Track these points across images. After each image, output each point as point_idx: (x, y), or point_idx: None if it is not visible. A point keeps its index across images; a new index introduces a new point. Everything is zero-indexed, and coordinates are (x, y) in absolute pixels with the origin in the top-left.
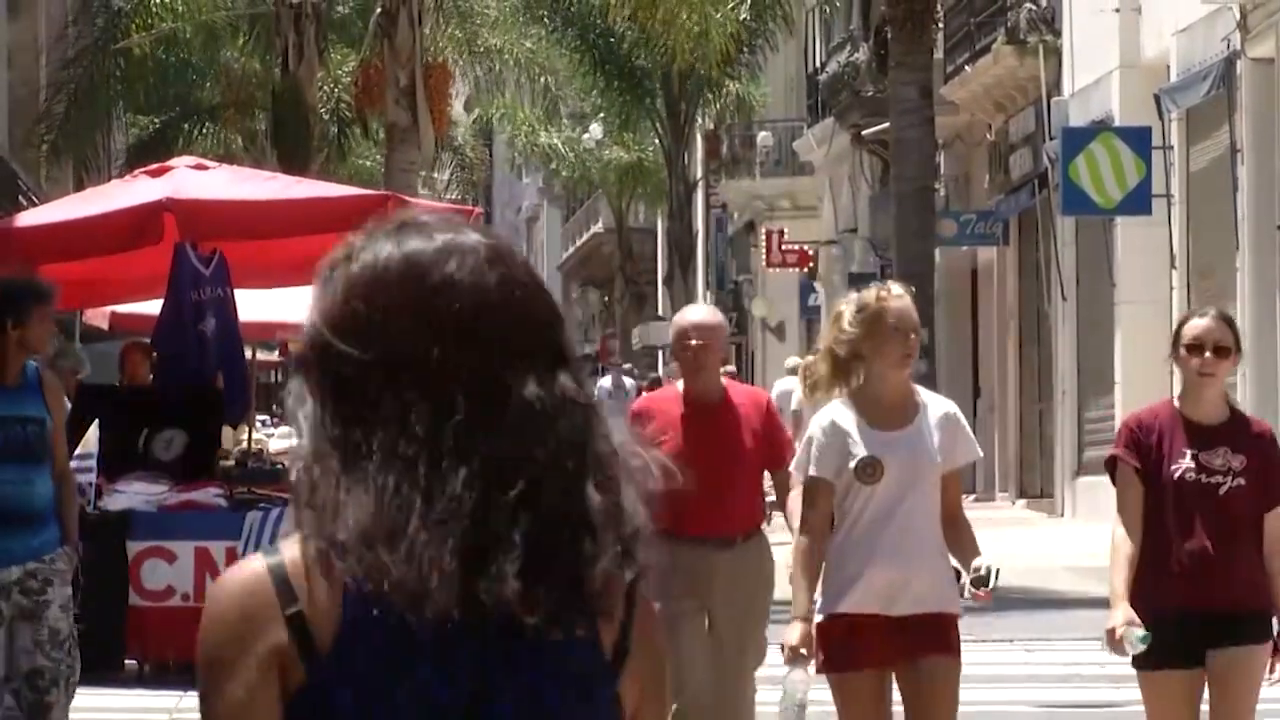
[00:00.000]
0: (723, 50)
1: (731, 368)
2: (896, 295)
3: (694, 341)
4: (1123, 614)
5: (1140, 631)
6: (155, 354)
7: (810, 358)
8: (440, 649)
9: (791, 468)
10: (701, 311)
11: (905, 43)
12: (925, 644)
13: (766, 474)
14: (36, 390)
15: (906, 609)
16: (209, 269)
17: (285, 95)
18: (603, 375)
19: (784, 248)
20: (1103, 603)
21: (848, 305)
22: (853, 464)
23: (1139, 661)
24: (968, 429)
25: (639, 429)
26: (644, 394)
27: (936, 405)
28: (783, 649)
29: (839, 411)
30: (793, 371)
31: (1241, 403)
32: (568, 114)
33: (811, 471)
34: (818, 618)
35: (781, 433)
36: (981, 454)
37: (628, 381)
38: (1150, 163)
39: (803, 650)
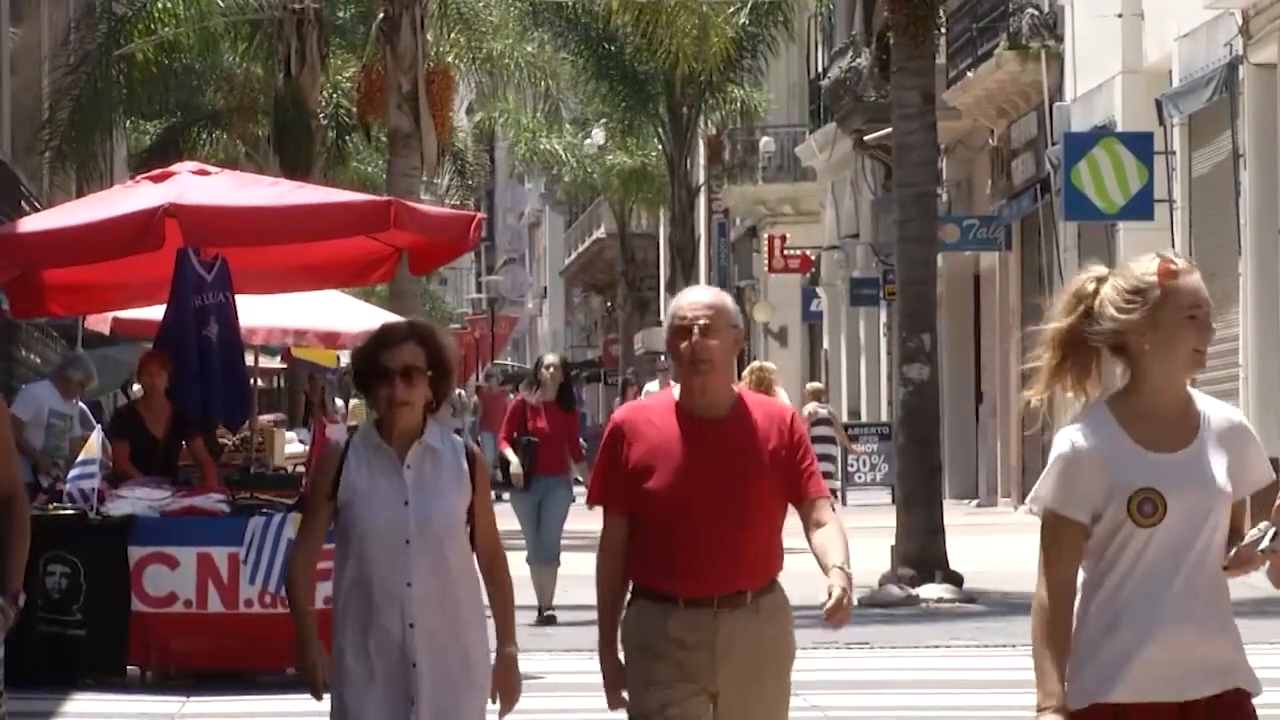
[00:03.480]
0: (722, 53)
1: (769, 369)
2: (1187, 270)
3: (695, 325)
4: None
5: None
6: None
7: (757, 362)
8: None
9: (1028, 500)
10: (704, 290)
11: (907, 48)
12: None
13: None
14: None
15: (1199, 690)
16: (211, 274)
17: (287, 101)
18: (650, 380)
19: (786, 253)
20: None
21: (1118, 278)
22: (1125, 499)
23: None
24: (1259, 443)
25: (616, 451)
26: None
27: (1219, 415)
28: None
29: (1096, 425)
30: (818, 396)
31: (1243, 406)
32: (570, 119)
33: (1055, 508)
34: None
35: (809, 459)
36: (1274, 475)
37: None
38: (1152, 168)
39: None
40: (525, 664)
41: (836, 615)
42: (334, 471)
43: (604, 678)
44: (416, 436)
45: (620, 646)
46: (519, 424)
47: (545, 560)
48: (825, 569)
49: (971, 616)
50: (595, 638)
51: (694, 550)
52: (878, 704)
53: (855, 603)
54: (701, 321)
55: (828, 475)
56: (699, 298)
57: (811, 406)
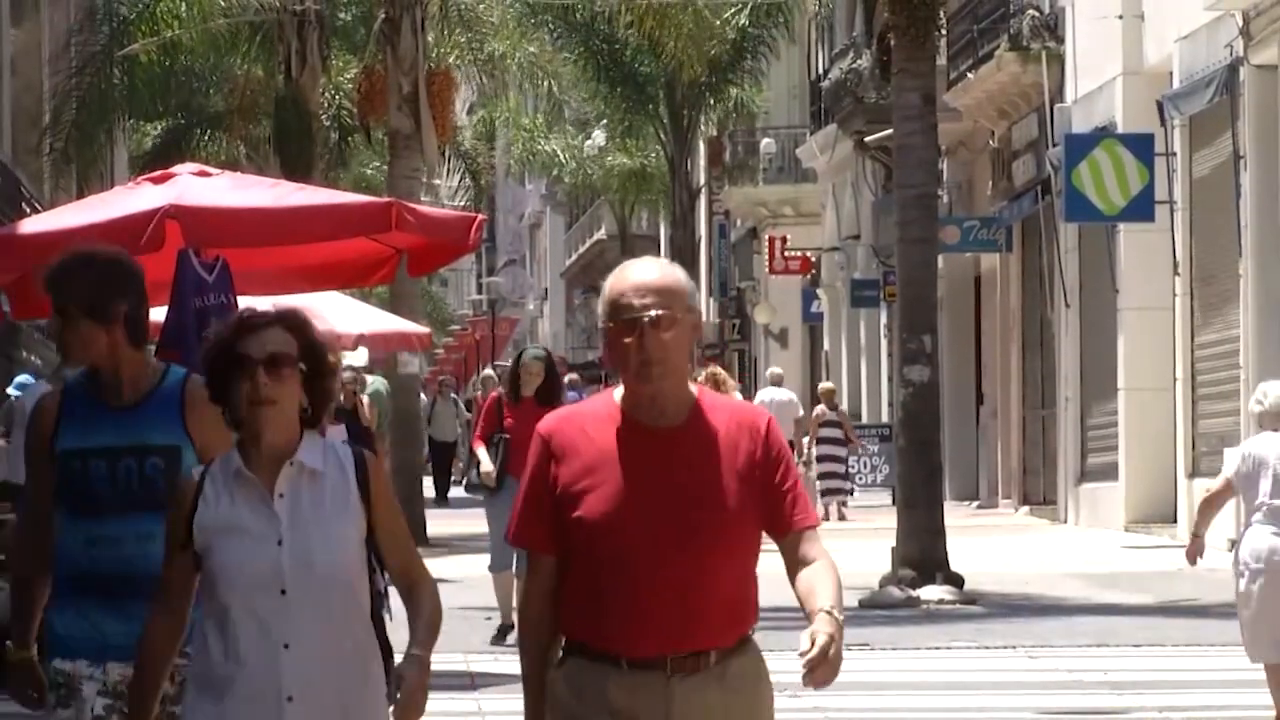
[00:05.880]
0: (722, 55)
1: (723, 374)
2: None
3: (643, 317)
4: None
5: None
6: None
7: (711, 368)
8: None
9: None
10: (651, 266)
11: (908, 49)
12: None
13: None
14: (172, 408)
15: None
16: (212, 276)
17: (288, 102)
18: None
19: (787, 254)
20: (1104, 609)
21: None
22: None
23: None
24: None
25: (542, 473)
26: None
27: None
28: None
29: None
30: (829, 397)
31: (1243, 406)
32: (571, 120)
33: None
34: None
35: (792, 478)
36: None
37: (780, 395)
38: (1153, 169)
39: None
40: (471, 702)
41: (820, 672)
42: (188, 510)
43: None
44: (289, 455)
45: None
46: (495, 422)
47: (507, 567)
48: (810, 614)
49: (972, 618)
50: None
51: (640, 596)
52: (878, 705)
53: (844, 654)
54: (651, 311)
55: (839, 478)
56: (645, 277)
57: (821, 408)
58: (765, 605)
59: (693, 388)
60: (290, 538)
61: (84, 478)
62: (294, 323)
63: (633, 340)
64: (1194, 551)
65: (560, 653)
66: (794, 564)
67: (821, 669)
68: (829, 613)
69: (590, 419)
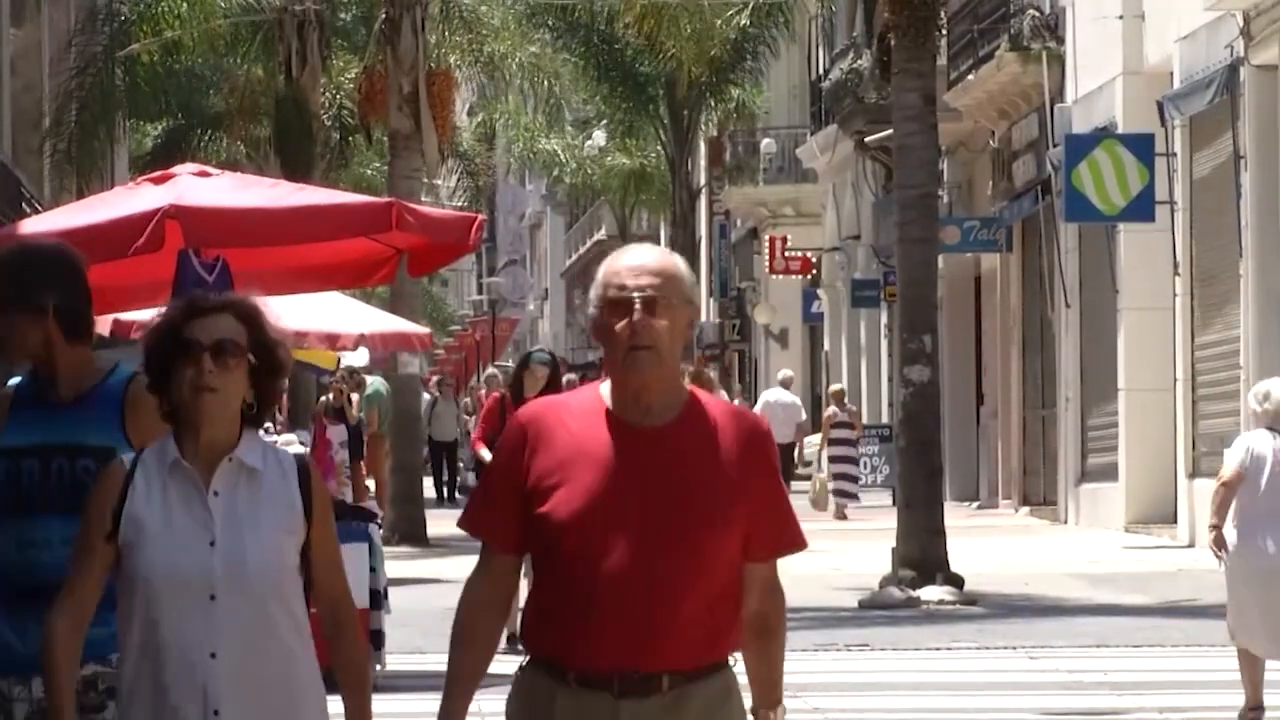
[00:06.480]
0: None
1: (708, 374)
2: None
3: (636, 298)
4: None
5: None
6: None
7: (698, 366)
8: None
9: None
10: (649, 250)
11: (908, 49)
12: None
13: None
14: (111, 408)
15: None
16: (212, 276)
17: (288, 102)
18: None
19: (787, 254)
20: (1103, 609)
21: None
22: None
23: None
24: None
25: (512, 460)
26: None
27: None
28: None
29: None
30: (839, 399)
31: (1243, 406)
32: (571, 120)
33: None
34: None
35: (780, 490)
36: None
37: (785, 397)
38: (1153, 169)
39: None
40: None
41: None
42: (115, 500)
43: None
44: (228, 452)
45: None
46: (498, 423)
47: None
48: (755, 705)
49: (972, 618)
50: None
51: (596, 604)
52: (878, 706)
53: (846, 654)
54: (647, 293)
55: (851, 479)
56: (642, 260)
57: (832, 409)
58: None
59: (686, 386)
60: (224, 538)
61: (16, 477)
62: (246, 312)
63: (624, 323)
64: (1218, 543)
65: (516, 670)
66: (753, 613)
67: None
68: (770, 715)
69: (573, 410)
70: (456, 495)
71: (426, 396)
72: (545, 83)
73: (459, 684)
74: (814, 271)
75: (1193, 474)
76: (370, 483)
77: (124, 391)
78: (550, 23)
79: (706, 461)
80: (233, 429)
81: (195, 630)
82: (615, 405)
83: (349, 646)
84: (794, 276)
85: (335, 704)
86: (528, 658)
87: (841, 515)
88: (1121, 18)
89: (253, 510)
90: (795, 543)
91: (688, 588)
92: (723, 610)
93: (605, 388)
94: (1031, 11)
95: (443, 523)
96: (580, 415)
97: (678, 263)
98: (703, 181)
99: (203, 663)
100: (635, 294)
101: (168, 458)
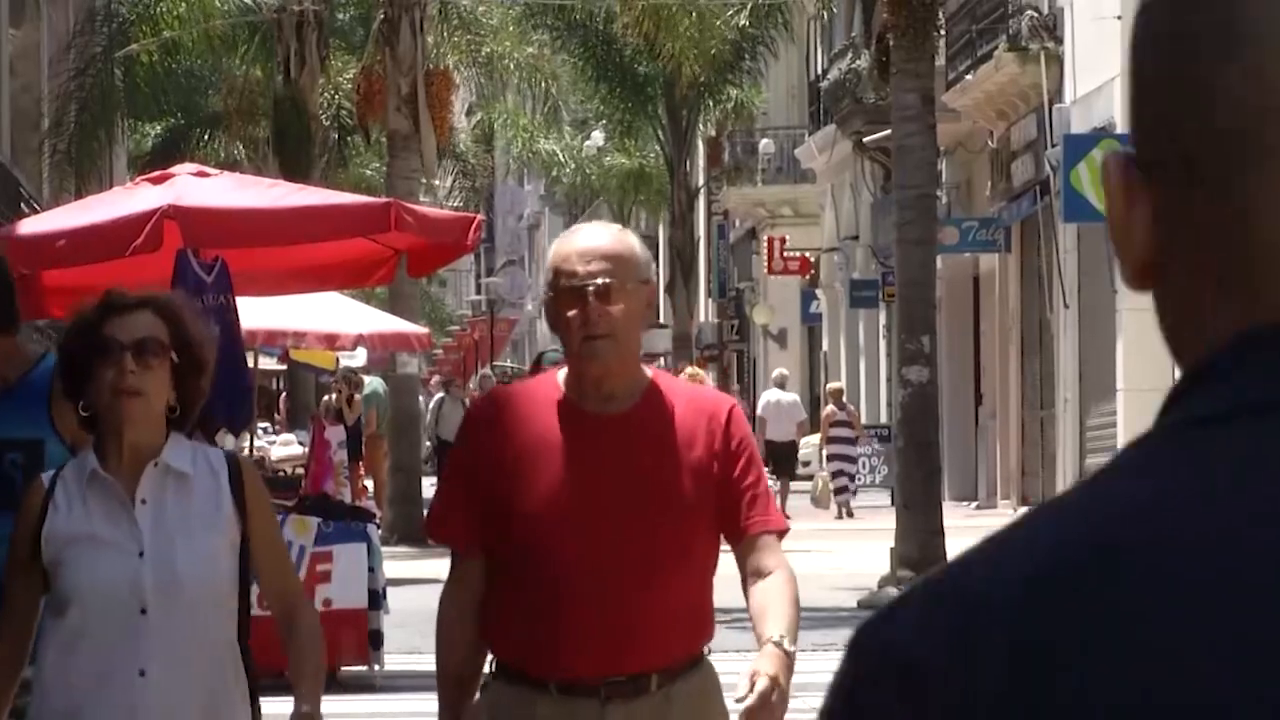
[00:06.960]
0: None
1: (696, 370)
2: None
3: (589, 286)
4: None
5: None
6: None
7: (693, 368)
8: None
9: None
10: (600, 230)
11: (907, 50)
12: None
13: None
14: (38, 398)
15: None
16: (211, 276)
17: (287, 103)
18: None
19: (785, 255)
20: None
21: None
22: None
23: None
24: None
25: (469, 459)
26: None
27: None
28: None
29: None
30: (837, 397)
31: None
32: (569, 121)
33: None
34: None
35: (755, 473)
36: None
37: (785, 396)
38: None
39: None
40: None
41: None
42: (35, 521)
43: None
44: (153, 457)
45: None
46: None
47: None
48: (759, 639)
49: None
50: None
51: (572, 610)
52: None
53: (789, 699)
54: (599, 280)
55: (850, 477)
56: (593, 242)
57: (831, 408)
58: (732, 605)
59: (647, 370)
60: (153, 549)
61: None
62: (166, 308)
63: (577, 312)
64: None
65: (485, 677)
66: (748, 575)
67: (762, 717)
68: (778, 644)
69: (528, 401)
70: None
71: (435, 395)
72: (543, 83)
73: (452, 703)
74: (812, 272)
75: None
76: (369, 483)
77: (50, 381)
78: (548, 23)
79: (670, 446)
80: (157, 432)
81: (124, 646)
82: (575, 393)
83: (302, 637)
84: (792, 277)
85: (287, 705)
86: (495, 664)
87: (848, 513)
88: (1120, 18)
89: (183, 517)
90: (767, 523)
91: (666, 582)
92: (701, 600)
93: (563, 375)
94: (1030, 12)
95: None
96: (536, 405)
97: (630, 242)
98: (701, 182)
99: (131, 682)
100: (588, 282)
101: (87, 468)
